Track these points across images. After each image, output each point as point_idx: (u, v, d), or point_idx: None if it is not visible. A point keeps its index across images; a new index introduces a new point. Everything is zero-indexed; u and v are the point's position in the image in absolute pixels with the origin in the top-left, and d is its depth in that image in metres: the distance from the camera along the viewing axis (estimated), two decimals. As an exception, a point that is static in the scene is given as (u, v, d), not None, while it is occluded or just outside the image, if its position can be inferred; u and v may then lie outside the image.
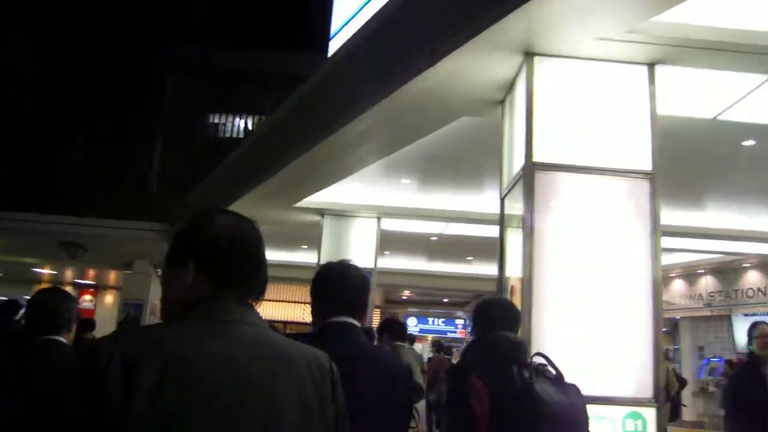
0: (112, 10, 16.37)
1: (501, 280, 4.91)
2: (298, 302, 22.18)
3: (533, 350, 3.05)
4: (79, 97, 16.28)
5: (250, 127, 16.49)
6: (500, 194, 5.06)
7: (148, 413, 1.19)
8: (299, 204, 9.11)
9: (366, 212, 9.38)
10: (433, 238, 11.87)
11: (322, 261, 9.39)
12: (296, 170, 7.94)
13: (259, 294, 1.51)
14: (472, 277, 15.99)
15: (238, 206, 9.57)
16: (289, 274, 15.96)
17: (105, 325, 15.76)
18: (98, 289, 22.77)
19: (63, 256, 15.22)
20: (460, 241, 12.06)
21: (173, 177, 15.66)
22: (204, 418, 1.24)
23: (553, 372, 2.73)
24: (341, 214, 9.44)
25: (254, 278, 1.50)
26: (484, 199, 9.18)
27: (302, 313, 22.17)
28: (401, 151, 7.22)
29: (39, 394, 2.65)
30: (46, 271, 20.41)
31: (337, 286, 2.39)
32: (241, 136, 16.33)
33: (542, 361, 2.77)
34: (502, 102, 5.18)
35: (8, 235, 14.55)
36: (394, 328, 6.19)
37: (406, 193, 9.07)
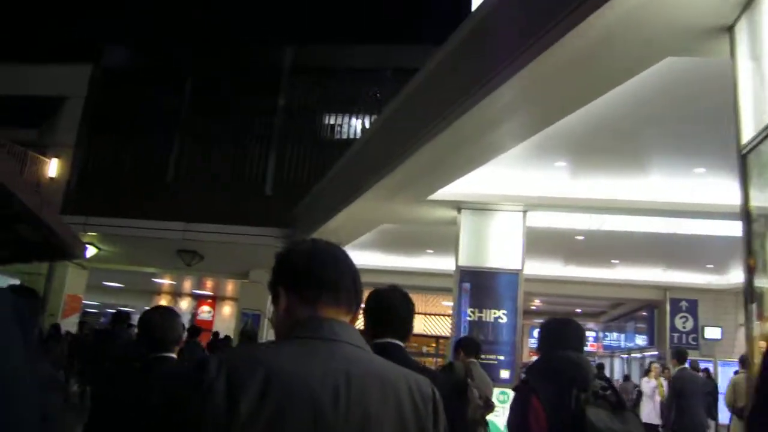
0: (224, 10, 15.91)
1: (750, 288, 3.52)
2: (419, 313, 21.07)
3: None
4: (193, 100, 15.91)
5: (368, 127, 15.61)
6: (738, 151, 3.65)
7: (249, 428, 1.23)
8: (433, 197, 7.92)
9: (510, 204, 8.02)
10: (580, 237, 10.39)
11: (462, 263, 8.21)
12: (427, 156, 6.85)
13: (354, 309, 1.51)
14: (614, 283, 14.29)
15: (363, 203, 8.54)
16: (412, 282, 14.94)
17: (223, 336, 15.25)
18: (216, 299, 22.59)
19: (180, 264, 14.84)
20: (610, 240, 10.52)
21: (289, 181, 14.94)
22: None
23: (614, 398, 2.72)
24: (481, 207, 8.13)
25: (344, 294, 1.49)
26: (649, 184, 7.72)
27: (424, 325, 21.05)
28: (556, 125, 5.95)
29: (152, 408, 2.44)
30: (166, 281, 20.31)
31: (385, 311, 2.59)
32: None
33: (605, 384, 2.75)
34: (730, 28, 3.80)
35: (127, 243, 14.30)
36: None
37: (559, 179, 7.71)
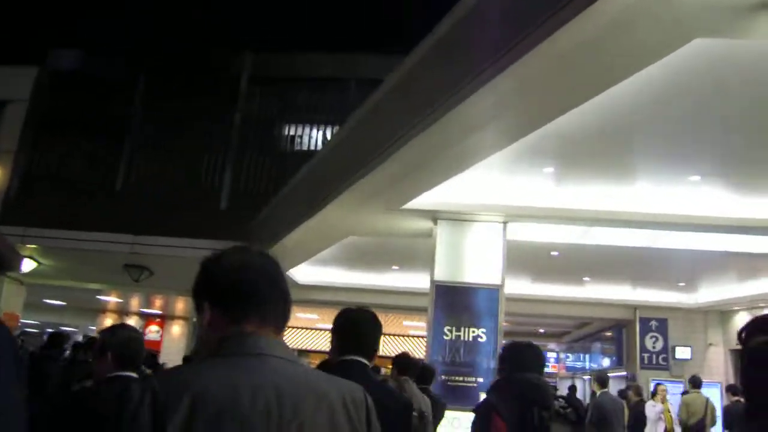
0: (179, 13, 15.15)
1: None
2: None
3: None
4: (145, 106, 15.05)
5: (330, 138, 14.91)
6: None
7: None
8: (407, 206, 7.31)
9: (490, 215, 7.46)
10: (555, 253, 9.90)
11: (438, 278, 7.59)
12: (400, 164, 6.29)
13: (280, 325, 1.49)
14: (582, 302, 13.83)
15: (329, 214, 7.89)
16: (374, 300, 14.29)
17: (172, 357, 14.30)
18: (165, 318, 21.50)
19: (128, 280, 13.90)
20: (586, 255, 10.05)
21: (246, 193, 14.16)
22: None
23: (574, 416, 2.89)
24: (459, 218, 7.53)
25: (271, 310, 1.47)
26: (638, 193, 7.27)
27: (383, 346, 20.34)
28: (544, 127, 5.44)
29: None
30: (112, 299, 19.19)
31: (352, 330, 2.70)
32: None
33: (563, 403, 2.92)
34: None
35: (70, 257, 13.32)
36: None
37: (543, 187, 7.18)
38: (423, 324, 18.47)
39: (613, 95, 4.75)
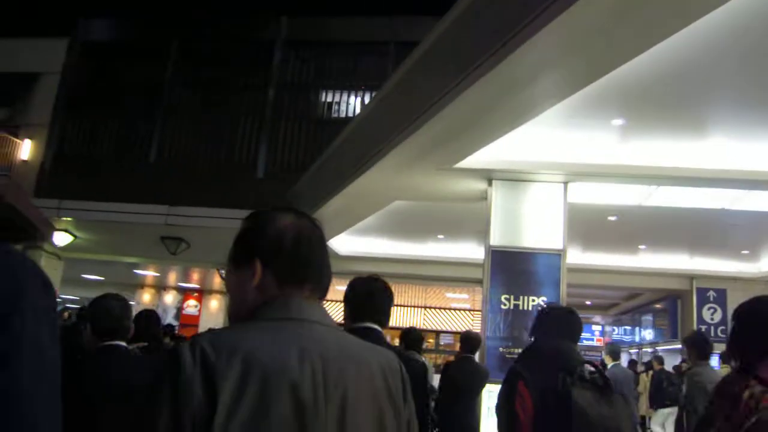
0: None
1: None
2: (417, 306, 19.91)
3: None
4: (177, 75, 14.62)
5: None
6: None
7: (231, 418, 1.20)
8: (459, 165, 6.73)
9: (550, 173, 6.83)
10: (612, 218, 9.26)
11: (494, 243, 7.02)
12: (451, 120, 5.76)
13: (323, 294, 1.49)
14: (636, 272, 13.13)
15: (375, 175, 7.37)
16: (418, 271, 13.80)
17: (211, 331, 14.00)
18: (203, 293, 21.31)
19: (165, 253, 13.60)
20: (645, 221, 9.39)
21: (282, 163, 13.69)
22: (284, 421, 1.24)
23: (602, 381, 2.78)
24: (516, 178, 6.93)
25: (319, 277, 1.47)
26: (716, 148, 6.60)
27: (423, 319, 19.87)
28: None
29: (109, 396, 2.88)
30: (149, 273, 18.98)
31: (365, 299, 2.89)
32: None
33: (592, 369, 2.82)
34: None
35: (105, 230, 13.06)
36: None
37: (608, 143, 6.54)
38: (466, 296, 17.98)
39: (689, 34, 4.14)
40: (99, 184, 12.96)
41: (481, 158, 6.73)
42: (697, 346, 5.78)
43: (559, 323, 3.10)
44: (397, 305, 19.69)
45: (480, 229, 10.54)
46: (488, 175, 7.03)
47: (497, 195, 7.04)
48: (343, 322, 2.89)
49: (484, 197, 7.60)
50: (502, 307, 6.71)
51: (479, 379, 6.61)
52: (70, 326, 9.40)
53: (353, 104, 14.35)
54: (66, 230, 13.14)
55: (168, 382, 1.22)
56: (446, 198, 8.06)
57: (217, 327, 13.47)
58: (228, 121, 14.16)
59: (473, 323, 19.39)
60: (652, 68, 4.99)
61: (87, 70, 14.88)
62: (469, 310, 19.43)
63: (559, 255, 6.82)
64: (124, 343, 3.17)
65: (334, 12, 14.95)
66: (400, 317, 19.50)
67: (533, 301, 6.69)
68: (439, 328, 20.13)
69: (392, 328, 15.52)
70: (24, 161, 14.14)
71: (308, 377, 1.28)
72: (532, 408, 2.75)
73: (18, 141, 14.31)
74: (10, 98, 14.74)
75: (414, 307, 19.77)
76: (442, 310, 19.75)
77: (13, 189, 6.66)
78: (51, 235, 9.20)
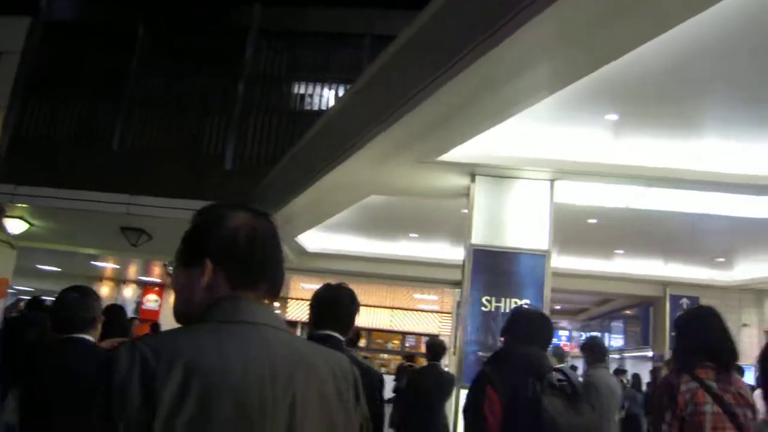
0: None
1: None
2: (385, 307, 19.55)
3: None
4: (144, 61, 14.02)
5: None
6: None
7: (170, 422, 1.15)
8: (443, 158, 6.37)
9: (536, 170, 6.49)
10: (592, 220, 9.00)
11: (476, 241, 6.66)
12: (434, 111, 5.43)
13: (275, 295, 1.45)
14: (608, 277, 12.93)
15: (351, 167, 6.95)
16: (384, 270, 13.43)
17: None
18: (164, 287, 20.68)
19: (125, 245, 13.02)
20: (625, 224, 9.16)
21: (252, 155, 13.19)
22: (227, 427, 1.20)
23: (570, 389, 2.78)
24: (501, 174, 6.58)
25: (273, 278, 1.44)
26: (706, 150, 6.35)
27: (390, 320, 19.53)
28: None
29: (56, 388, 2.78)
30: (108, 265, 18.33)
31: (331, 306, 2.89)
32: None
33: (561, 376, 2.80)
34: None
35: (63, 218, 12.44)
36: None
37: (599, 139, 6.24)
38: (435, 297, 17.67)
39: (697, 24, 3.85)
40: (58, 171, 12.34)
41: (464, 152, 6.39)
42: (594, 350, 6.52)
43: (531, 327, 3.07)
44: (363, 305, 19.33)
45: (455, 229, 10.27)
46: (471, 170, 6.68)
47: (480, 191, 6.69)
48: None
49: (464, 193, 7.27)
50: (483, 309, 6.37)
51: (447, 386, 6.77)
52: (16, 318, 8.89)
53: (326, 97, 13.94)
54: (21, 217, 12.50)
55: (103, 384, 1.18)
56: (425, 193, 7.70)
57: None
58: (196, 111, 13.63)
59: (441, 325, 19.13)
60: (651, 60, 4.71)
61: (49, 51, 14.20)
62: (438, 312, 19.14)
63: (543, 256, 6.50)
64: (88, 337, 3.07)
65: (309, 2, 14.51)
66: (366, 317, 19.14)
67: (515, 303, 6.36)
68: (405, 329, 19.83)
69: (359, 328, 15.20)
70: (-23, 145, 13.42)
71: (254, 382, 1.24)
72: (500, 412, 2.73)
73: (-28, 123, 13.59)
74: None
75: (381, 307, 19.43)
76: (410, 312, 19.45)
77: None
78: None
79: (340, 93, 13.35)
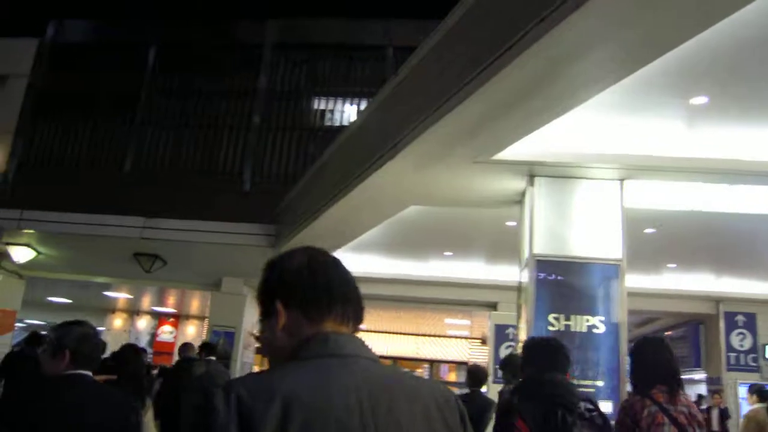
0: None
1: None
2: (410, 334, 18.64)
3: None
4: (157, 80, 13.39)
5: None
6: None
7: None
8: (498, 157, 5.58)
9: (604, 168, 5.66)
10: (650, 230, 8.14)
11: (538, 251, 5.81)
12: (484, 103, 4.72)
13: (357, 322, 1.43)
14: (656, 294, 11.92)
15: (389, 174, 6.17)
16: (412, 293, 12.58)
17: (188, 359, 12.59)
18: (179, 318, 19.88)
19: (137, 273, 12.27)
20: (687, 234, 8.31)
21: (271, 175, 12.45)
22: None
23: (600, 420, 2.78)
24: (563, 174, 5.74)
25: (344, 298, 1.41)
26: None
27: (416, 348, 18.62)
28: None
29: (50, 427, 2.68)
30: (121, 295, 17.57)
31: None
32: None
33: (590, 406, 2.80)
34: None
35: (73, 245, 11.73)
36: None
37: (675, 132, 5.43)
38: (467, 322, 16.70)
39: None
40: (67, 196, 11.66)
41: (521, 150, 5.60)
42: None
43: (551, 356, 3.07)
44: (387, 332, 18.42)
45: (495, 245, 9.45)
46: (529, 170, 5.87)
47: (540, 194, 5.86)
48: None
49: (517, 200, 6.48)
50: (551, 328, 5.51)
51: (490, 413, 6.17)
52: (12, 353, 8.38)
53: (348, 112, 13.24)
54: (28, 245, 11.78)
55: (201, 425, 1.16)
56: (471, 201, 6.88)
57: (193, 354, 12.11)
58: (211, 130, 12.95)
59: (471, 352, 18.19)
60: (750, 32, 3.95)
61: (57, 73, 13.62)
62: (467, 338, 18.21)
63: (617, 266, 5.65)
64: (88, 373, 2.90)
65: (326, 14, 13.90)
66: (390, 345, 18.26)
67: (587, 321, 5.51)
68: (432, 357, 18.90)
69: (381, 357, 14.13)
70: (-16, 170, 12.78)
71: (356, 415, 1.20)
72: None
73: (-22, 148, 12.98)
74: (-30, 102, 13.43)
75: (406, 334, 18.54)
76: (437, 338, 18.53)
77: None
78: None
79: (362, 107, 12.64)
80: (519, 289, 6.24)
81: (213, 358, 8.07)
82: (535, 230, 5.78)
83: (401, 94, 5.93)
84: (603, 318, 5.52)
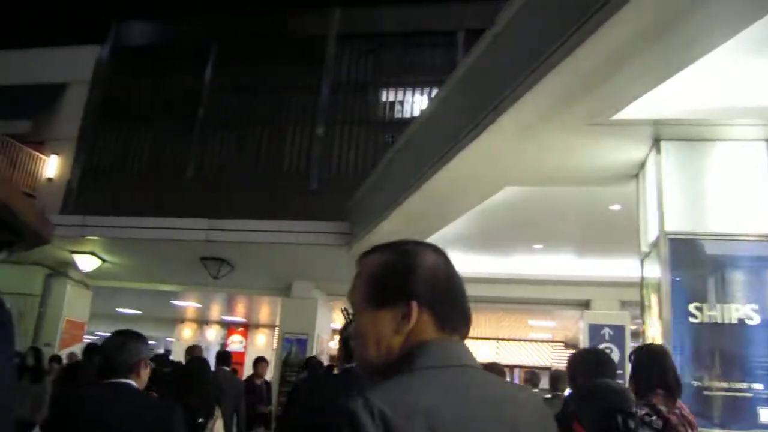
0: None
1: None
2: (489, 338, 17.66)
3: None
4: (218, 79, 12.89)
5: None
6: None
7: None
8: (618, 117, 4.67)
9: (749, 125, 4.68)
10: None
11: (671, 228, 4.84)
12: (608, 43, 3.84)
13: (467, 333, 1.35)
14: None
15: (485, 145, 5.32)
16: (494, 293, 11.64)
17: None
18: (248, 327, 19.41)
19: (205, 279, 11.73)
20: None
21: (339, 171, 11.77)
22: None
23: (660, 423, 2.79)
24: (696, 135, 4.74)
25: (469, 316, 1.35)
26: None
27: (496, 353, 17.60)
28: None
29: None
30: (189, 304, 17.17)
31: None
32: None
33: (648, 411, 2.82)
34: None
35: (137, 251, 11.28)
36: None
37: None
38: (552, 323, 15.64)
39: None
40: (131, 202, 11.27)
41: (644, 109, 4.66)
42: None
43: (596, 362, 3.24)
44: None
45: (594, 234, 8.45)
46: (655, 133, 4.92)
47: (669, 161, 4.88)
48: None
49: (633, 173, 5.53)
50: (692, 321, 4.55)
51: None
52: (70, 365, 8.32)
53: (417, 102, 12.45)
54: (93, 253, 11.38)
55: None
56: (579, 177, 5.93)
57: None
58: (276, 127, 12.36)
59: (553, 356, 17.10)
60: None
61: (118, 78, 13.30)
62: (549, 342, 17.12)
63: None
64: (131, 382, 2.92)
65: (391, 1, 13.13)
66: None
67: (737, 311, 4.52)
68: (512, 363, 17.84)
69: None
70: (49, 179, 12.49)
71: (491, 426, 1.18)
72: None
73: (43, 157, 12.71)
74: (34, 111, 13.20)
75: (484, 339, 17.56)
76: (517, 342, 17.49)
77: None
78: (49, 237, 7.49)
79: (433, 96, 11.81)
80: (642, 281, 5.29)
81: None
82: (665, 204, 4.81)
83: (500, 47, 5.08)
84: (757, 306, 4.51)
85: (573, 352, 3.36)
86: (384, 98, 12.61)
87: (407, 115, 12.16)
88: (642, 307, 5.25)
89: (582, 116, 4.67)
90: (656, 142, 4.96)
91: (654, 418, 2.77)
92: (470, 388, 1.20)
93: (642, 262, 5.32)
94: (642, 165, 5.35)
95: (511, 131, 4.96)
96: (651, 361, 3.15)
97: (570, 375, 3.31)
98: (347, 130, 12.24)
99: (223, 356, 8.74)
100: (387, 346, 1.26)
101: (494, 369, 7.17)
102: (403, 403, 1.11)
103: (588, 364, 3.19)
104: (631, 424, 2.67)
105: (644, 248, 5.31)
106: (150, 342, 15.57)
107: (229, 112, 12.80)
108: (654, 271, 5.01)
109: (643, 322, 5.17)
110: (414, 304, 1.25)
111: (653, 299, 4.89)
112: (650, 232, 5.07)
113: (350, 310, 1.38)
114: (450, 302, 1.30)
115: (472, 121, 5.25)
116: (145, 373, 3.04)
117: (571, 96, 4.48)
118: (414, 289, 1.27)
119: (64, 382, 7.22)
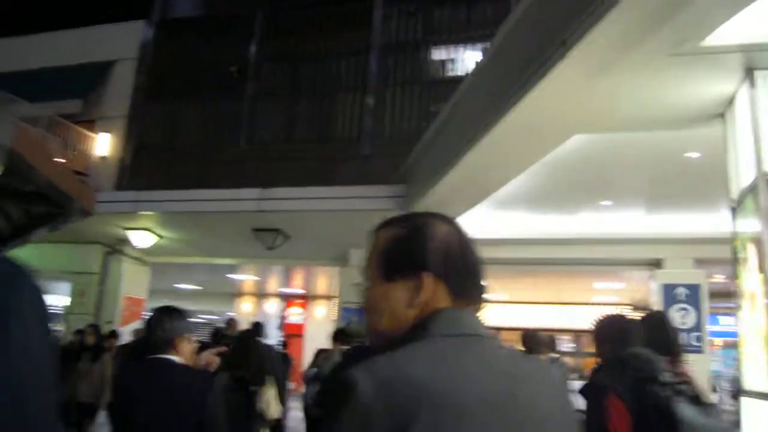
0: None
1: None
2: (552, 303, 17.15)
3: None
4: (265, 47, 12.61)
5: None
6: None
7: None
8: (705, 43, 4.14)
9: None
10: None
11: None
12: None
13: (480, 301, 1.31)
14: None
15: (553, 86, 4.82)
16: (567, 254, 11.15)
17: (318, 343, 11.77)
18: (307, 299, 19.33)
19: (261, 252, 11.56)
20: None
21: (392, 135, 11.38)
22: None
23: (692, 392, 2.71)
24: None
25: (482, 287, 1.32)
26: None
27: (558, 318, 17.08)
28: None
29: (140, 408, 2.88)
30: (247, 277, 17.12)
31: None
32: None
33: (678, 379, 2.73)
34: None
35: (191, 225, 11.16)
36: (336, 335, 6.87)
37: None
38: (620, 285, 15.04)
39: None
40: (183, 175, 11.14)
41: (735, 35, 4.12)
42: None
43: (627, 331, 3.06)
44: (526, 302, 17.04)
45: (669, 186, 7.88)
46: (748, 62, 4.36)
47: (765, 91, 4.35)
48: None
49: (719, 112, 4.98)
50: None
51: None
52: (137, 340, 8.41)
53: (469, 60, 11.91)
54: (147, 229, 11.30)
55: (340, 409, 1.05)
56: (657, 120, 5.38)
57: (324, 336, 11.21)
58: (325, 93, 12.03)
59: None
60: None
61: (164, 52, 13.16)
62: (615, 304, 16.49)
63: None
64: (172, 357, 2.99)
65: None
66: (530, 316, 16.79)
67: None
68: (577, 328, 17.28)
69: (511, 329, 12.79)
70: (102, 157, 12.45)
71: (511, 404, 1.13)
72: (629, 420, 2.58)
73: (94, 136, 12.68)
74: (84, 90, 13.16)
75: (548, 303, 17.06)
76: (581, 306, 16.91)
77: (25, 138, 4.74)
78: (92, 210, 7.36)
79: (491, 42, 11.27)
80: (733, 235, 4.77)
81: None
82: (763, 141, 4.26)
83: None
84: None
85: (599, 318, 3.15)
86: (435, 57, 12.13)
87: (460, 73, 11.65)
88: (735, 261, 4.73)
89: (663, 45, 4.14)
90: (750, 72, 4.40)
91: (685, 386, 2.71)
92: (484, 359, 1.17)
93: (733, 211, 4.79)
94: (730, 101, 4.79)
95: (582, 68, 4.47)
96: (658, 331, 3.20)
97: (597, 343, 3.17)
98: (399, 92, 11.84)
99: (255, 328, 8.20)
100: (400, 319, 1.24)
101: (534, 338, 6.85)
102: (410, 374, 1.07)
103: (618, 333, 3.04)
104: (666, 392, 2.62)
105: (735, 196, 4.77)
106: (211, 317, 15.54)
107: (277, 81, 12.55)
108: (749, 220, 4.49)
109: (737, 277, 4.65)
110: (426, 276, 1.23)
111: (750, 250, 4.37)
112: (743, 177, 4.54)
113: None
114: (464, 272, 1.28)
115: (536, 61, 4.78)
116: (188, 348, 3.08)
117: (651, 22, 3.97)
118: (426, 261, 1.25)
119: (128, 359, 7.20)
